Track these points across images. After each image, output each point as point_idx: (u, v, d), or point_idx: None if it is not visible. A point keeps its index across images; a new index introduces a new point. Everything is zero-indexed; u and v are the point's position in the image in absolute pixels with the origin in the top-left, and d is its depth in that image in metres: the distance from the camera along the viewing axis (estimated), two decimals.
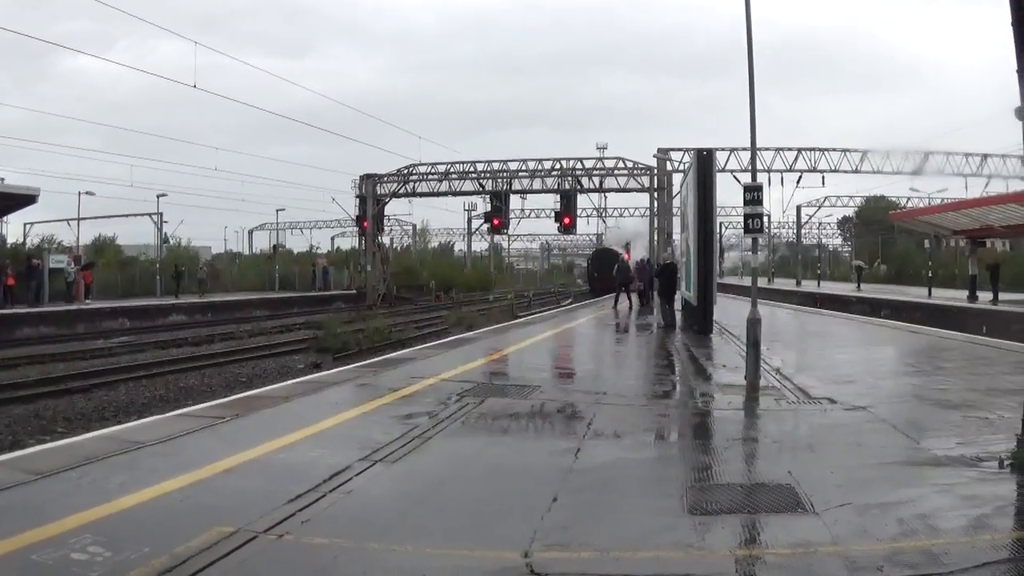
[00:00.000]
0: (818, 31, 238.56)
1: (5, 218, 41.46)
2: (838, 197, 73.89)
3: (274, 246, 77.16)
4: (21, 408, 14.19)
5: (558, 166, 49.92)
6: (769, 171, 45.81)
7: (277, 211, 78.27)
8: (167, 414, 9.55)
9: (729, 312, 21.54)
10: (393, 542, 4.81)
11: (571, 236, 63.37)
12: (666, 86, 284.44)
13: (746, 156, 42.19)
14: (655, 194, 46.66)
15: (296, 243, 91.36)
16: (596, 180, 50.13)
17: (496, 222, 43.66)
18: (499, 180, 49.70)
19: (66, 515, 5.08)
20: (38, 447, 7.76)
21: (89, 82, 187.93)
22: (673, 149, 45.72)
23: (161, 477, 6.01)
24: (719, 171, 20.61)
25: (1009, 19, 6.56)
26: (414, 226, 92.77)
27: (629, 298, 30.46)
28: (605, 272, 52.75)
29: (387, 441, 7.45)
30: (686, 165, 35.12)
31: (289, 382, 12.08)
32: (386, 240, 63.52)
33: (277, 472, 6.38)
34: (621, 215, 74.37)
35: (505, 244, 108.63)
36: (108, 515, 5.16)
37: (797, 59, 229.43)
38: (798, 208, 67.37)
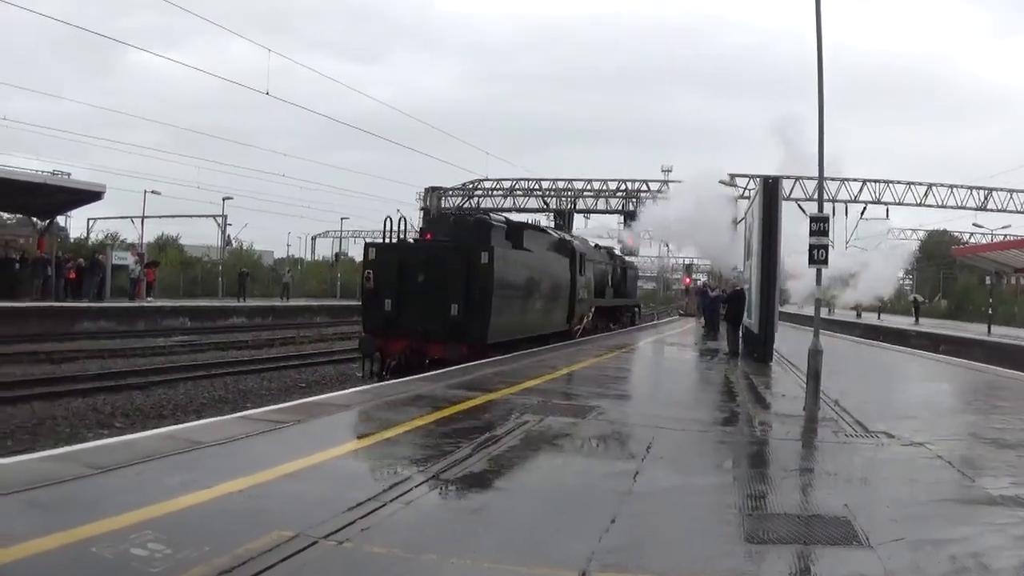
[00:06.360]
0: (894, 57, 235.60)
1: (69, 213, 42.25)
2: (901, 230, 72.48)
3: (336, 254, 78.09)
4: (79, 401, 14.40)
5: (623, 187, 49.89)
6: (833, 201, 45.38)
7: (341, 219, 79.14)
8: (228, 416, 9.67)
9: (788, 341, 21.22)
10: (450, 554, 4.81)
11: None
12: (737, 108, 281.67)
13: (811, 184, 41.83)
14: None
15: (359, 252, 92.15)
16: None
17: None
18: (563, 199, 49.84)
19: (125, 511, 5.12)
20: (97, 442, 7.81)
21: (156, 79, 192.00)
22: (739, 175, 45.67)
23: (222, 478, 6.07)
24: (784, 199, 20.34)
25: None
26: None
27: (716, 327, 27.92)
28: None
29: (446, 453, 7.47)
30: (752, 192, 34.86)
31: (350, 391, 12.18)
32: None
33: (337, 479, 6.44)
34: None
35: None
36: (168, 513, 5.20)
37: (869, 86, 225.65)
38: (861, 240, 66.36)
